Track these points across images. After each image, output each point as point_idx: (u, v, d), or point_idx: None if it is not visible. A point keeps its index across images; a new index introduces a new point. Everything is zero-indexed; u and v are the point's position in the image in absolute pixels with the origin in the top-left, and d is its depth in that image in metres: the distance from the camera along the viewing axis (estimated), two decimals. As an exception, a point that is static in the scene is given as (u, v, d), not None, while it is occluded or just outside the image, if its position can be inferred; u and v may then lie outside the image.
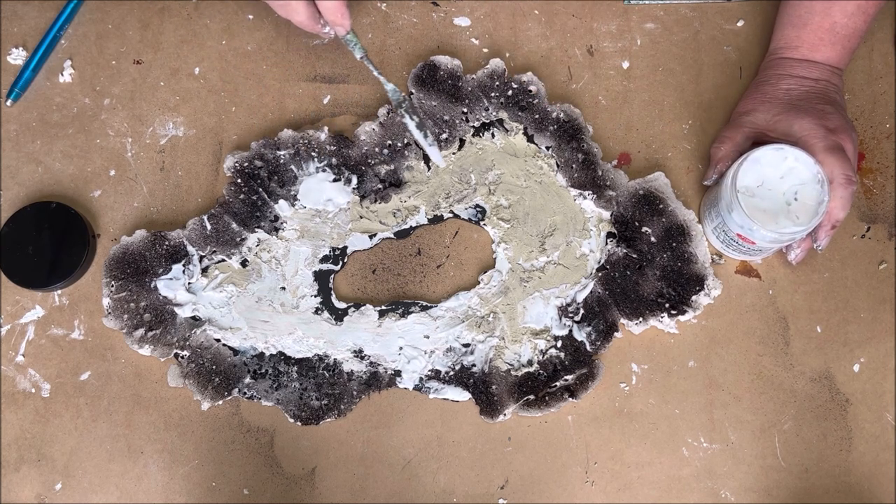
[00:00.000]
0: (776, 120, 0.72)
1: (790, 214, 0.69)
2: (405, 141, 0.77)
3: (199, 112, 0.80)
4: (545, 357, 0.74)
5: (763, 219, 0.68)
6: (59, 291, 0.77)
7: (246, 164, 0.77)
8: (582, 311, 0.74)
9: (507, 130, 0.78)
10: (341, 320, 0.75)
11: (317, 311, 0.75)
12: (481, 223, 0.77)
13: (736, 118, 0.76)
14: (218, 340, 0.74)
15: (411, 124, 0.75)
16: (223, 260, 0.76)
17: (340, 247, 0.77)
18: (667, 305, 0.74)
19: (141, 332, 0.74)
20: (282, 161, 0.77)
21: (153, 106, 0.80)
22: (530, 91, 0.78)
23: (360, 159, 0.77)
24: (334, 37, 0.73)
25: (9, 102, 0.80)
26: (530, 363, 0.74)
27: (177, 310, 0.75)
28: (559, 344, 0.74)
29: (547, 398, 0.73)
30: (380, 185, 0.77)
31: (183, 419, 0.74)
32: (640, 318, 0.74)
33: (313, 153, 0.77)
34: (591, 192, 0.76)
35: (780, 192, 0.69)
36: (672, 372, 0.74)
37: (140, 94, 0.81)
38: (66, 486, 0.73)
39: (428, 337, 0.75)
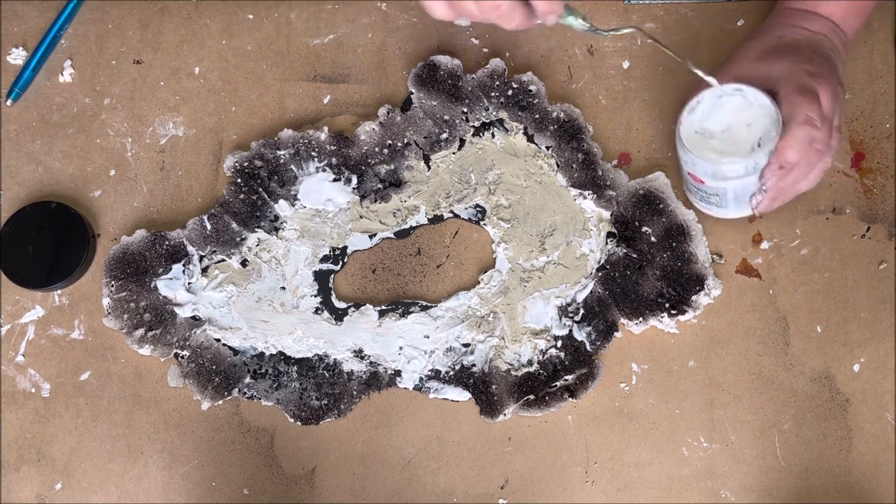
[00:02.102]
0: (758, 66, 0.69)
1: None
2: (405, 141, 0.77)
3: (199, 112, 0.80)
4: (545, 357, 0.74)
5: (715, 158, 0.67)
6: (59, 291, 0.77)
7: (246, 163, 0.77)
8: (582, 311, 0.74)
9: (507, 130, 0.78)
10: (341, 320, 0.75)
11: (317, 310, 0.75)
12: (481, 223, 0.77)
13: (721, 66, 0.73)
14: (218, 340, 0.75)
15: None
16: (223, 260, 0.76)
17: (340, 247, 0.77)
18: (667, 305, 0.74)
19: (141, 332, 0.74)
20: (282, 161, 0.77)
21: (153, 106, 0.80)
22: (530, 91, 0.78)
23: (360, 159, 0.77)
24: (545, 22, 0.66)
25: (9, 102, 0.80)
26: (530, 363, 0.74)
27: (177, 310, 0.75)
28: (559, 344, 0.74)
29: (547, 398, 0.73)
30: (380, 185, 0.77)
31: (183, 419, 0.74)
32: (640, 318, 0.74)
33: (313, 153, 0.77)
34: (591, 191, 0.76)
35: (746, 140, 0.67)
36: (672, 372, 0.74)
37: (140, 94, 0.81)
38: (66, 486, 0.73)
39: (428, 337, 0.75)
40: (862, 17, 0.73)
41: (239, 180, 0.77)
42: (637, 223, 0.75)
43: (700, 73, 0.68)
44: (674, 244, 0.74)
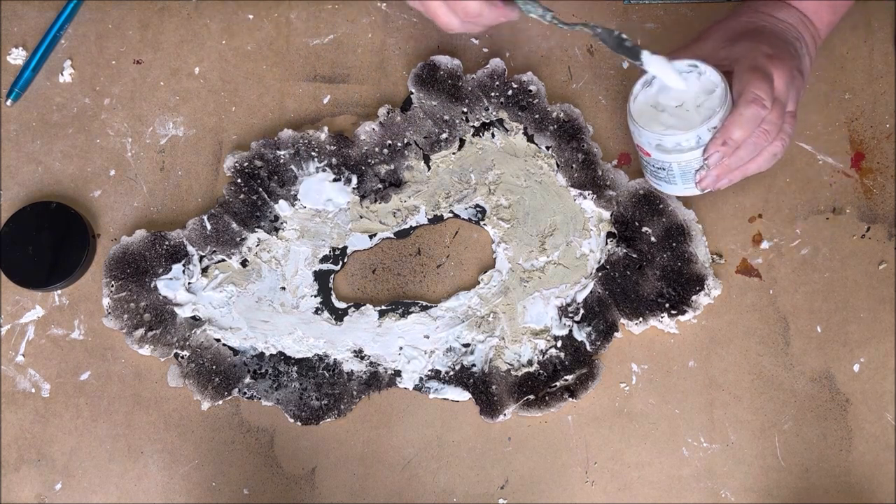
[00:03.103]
0: (721, 48, 0.69)
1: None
2: (405, 141, 0.77)
3: (199, 112, 0.80)
4: (545, 357, 0.74)
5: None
6: (59, 291, 0.77)
7: (246, 163, 0.77)
8: (582, 311, 0.74)
9: (507, 130, 0.78)
10: (341, 320, 0.75)
11: (317, 311, 0.75)
12: (481, 223, 0.77)
13: (686, 46, 0.72)
14: (218, 340, 0.75)
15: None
16: (223, 260, 0.76)
17: (340, 247, 0.77)
18: (667, 305, 0.74)
19: (141, 332, 0.74)
20: (282, 161, 0.77)
21: (153, 106, 0.80)
22: (530, 91, 0.78)
23: (360, 159, 0.77)
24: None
25: (9, 102, 0.80)
26: (530, 363, 0.74)
27: (177, 310, 0.75)
28: (559, 344, 0.74)
29: (547, 398, 0.73)
30: (380, 185, 0.77)
31: (183, 419, 0.74)
32: (640, 318, 0.74)
33: (313, 153, 0.77)
34: (591, 191, 0.76)
35: (696, 117, 0.66)
36: (672, 372, 0.74)
37: (140, 94, 0.81)
38: (66, 486, 0.73)
39: (428, 337, 0.75)
40: (835, 15, 0.72)
41: (239, 180, 0.77)
42: (637, 223, 0.75)
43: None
44: (674, 244, 0.74)
